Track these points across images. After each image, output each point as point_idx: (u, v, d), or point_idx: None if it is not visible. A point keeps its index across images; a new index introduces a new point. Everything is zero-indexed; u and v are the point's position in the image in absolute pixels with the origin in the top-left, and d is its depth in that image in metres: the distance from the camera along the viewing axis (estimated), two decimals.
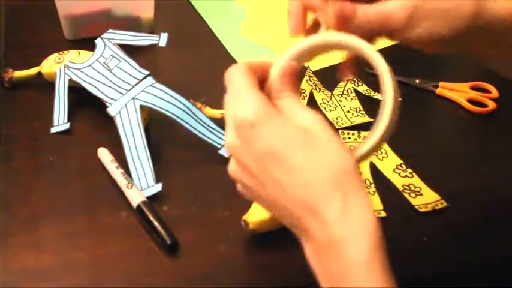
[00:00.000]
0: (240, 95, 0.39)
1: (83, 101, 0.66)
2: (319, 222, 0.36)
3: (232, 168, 0.42)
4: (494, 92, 0.74)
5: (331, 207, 0.36)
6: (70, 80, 0.64)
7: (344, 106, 0.70)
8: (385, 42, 0.46)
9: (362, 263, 0.35)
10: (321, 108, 0.69)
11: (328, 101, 0.70)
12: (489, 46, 0.45)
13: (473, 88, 0.74)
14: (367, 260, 0.35)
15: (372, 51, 0.41)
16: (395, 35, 0.44)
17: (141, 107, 0.60)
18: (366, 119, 0.67)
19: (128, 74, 0.62)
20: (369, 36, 0.44)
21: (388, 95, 0.41)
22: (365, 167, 0.61)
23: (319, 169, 0.37)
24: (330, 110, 0.69)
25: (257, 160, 0.38)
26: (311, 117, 0.39)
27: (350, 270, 0.35)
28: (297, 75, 0.43)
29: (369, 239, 0.35)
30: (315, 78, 0.72)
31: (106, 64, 0.64)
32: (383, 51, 0.41)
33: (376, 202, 0.58)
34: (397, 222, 0.56)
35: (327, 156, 0.37)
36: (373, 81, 0.72)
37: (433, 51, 0.46)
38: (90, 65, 0.64)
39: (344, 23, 0.43)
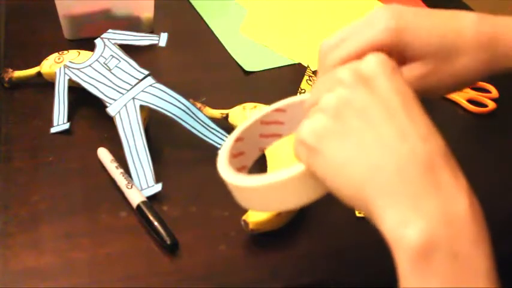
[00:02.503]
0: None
1: (83, 101, 0.66)
2: (446, 188, 0.33)
3: (336, 100, 0.37)
4: (494, 92, 0.74)
5: (460, 178, 0.34)
6: (70, 80, 0.64)
7: None
8: None
9: (486, 250, 0.33)
10: None
11: None
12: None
13: (473, 88, 0.74)
14: (490, 249, 0.33)
15: None
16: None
17: (141, 107, 0.60)
18: None
19: (128, 74, 0.62)
20: None
21: None
22: None
23: (439, 135, 0.36)
24: None
25: (386, 100, 0.36)
26: None
27: (470, 251, 0.32)
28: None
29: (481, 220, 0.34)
30: (315, 78, 0.73)
31: (106, 64, 0.64)
32: None
33: None
34: None
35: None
36: None
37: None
38: (90, 65, 0.64)
39: None
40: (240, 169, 0.47)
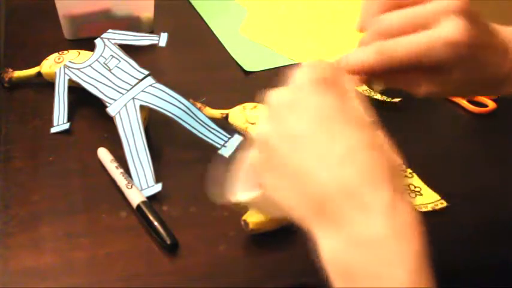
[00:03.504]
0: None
1: (83, 101, 0.66)
2: (361, 211, 0.33)
3: (264, 131, 0.38)
4: None
5: (379, 196, 0.33)
6: (70, 80, 0.64)
7: None
8: None
9: (407, 268, 0.32)
10: None
11: None
12: None
13: None
14: (414, 264, 0.32)
15: None
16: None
17: (141, 107, 0.60)
18: None
19: (128, 74, 0.62)
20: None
21: None
22: None
23: (371, 150, 0.35)
24: None
25: (307, 121, 0.36)
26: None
27: (389, 271, 0.32)
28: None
29: (417, 239, 0.33)
30: None
31: (106, 64, 0.64)
32: None
33: None
34: None
35: (380, 142, 0.36)
36: None
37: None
38: (90, 65, 0.64)
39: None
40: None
